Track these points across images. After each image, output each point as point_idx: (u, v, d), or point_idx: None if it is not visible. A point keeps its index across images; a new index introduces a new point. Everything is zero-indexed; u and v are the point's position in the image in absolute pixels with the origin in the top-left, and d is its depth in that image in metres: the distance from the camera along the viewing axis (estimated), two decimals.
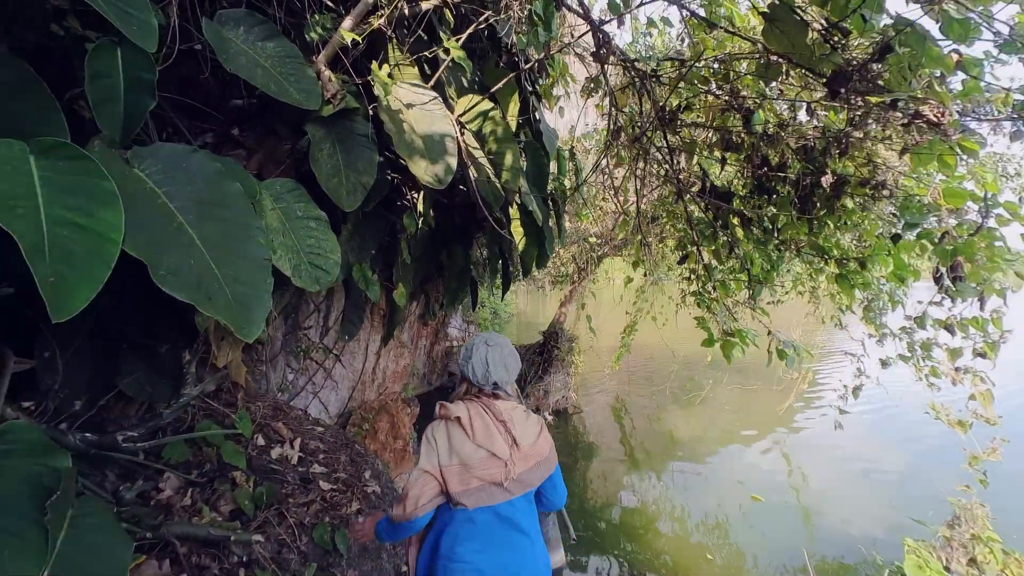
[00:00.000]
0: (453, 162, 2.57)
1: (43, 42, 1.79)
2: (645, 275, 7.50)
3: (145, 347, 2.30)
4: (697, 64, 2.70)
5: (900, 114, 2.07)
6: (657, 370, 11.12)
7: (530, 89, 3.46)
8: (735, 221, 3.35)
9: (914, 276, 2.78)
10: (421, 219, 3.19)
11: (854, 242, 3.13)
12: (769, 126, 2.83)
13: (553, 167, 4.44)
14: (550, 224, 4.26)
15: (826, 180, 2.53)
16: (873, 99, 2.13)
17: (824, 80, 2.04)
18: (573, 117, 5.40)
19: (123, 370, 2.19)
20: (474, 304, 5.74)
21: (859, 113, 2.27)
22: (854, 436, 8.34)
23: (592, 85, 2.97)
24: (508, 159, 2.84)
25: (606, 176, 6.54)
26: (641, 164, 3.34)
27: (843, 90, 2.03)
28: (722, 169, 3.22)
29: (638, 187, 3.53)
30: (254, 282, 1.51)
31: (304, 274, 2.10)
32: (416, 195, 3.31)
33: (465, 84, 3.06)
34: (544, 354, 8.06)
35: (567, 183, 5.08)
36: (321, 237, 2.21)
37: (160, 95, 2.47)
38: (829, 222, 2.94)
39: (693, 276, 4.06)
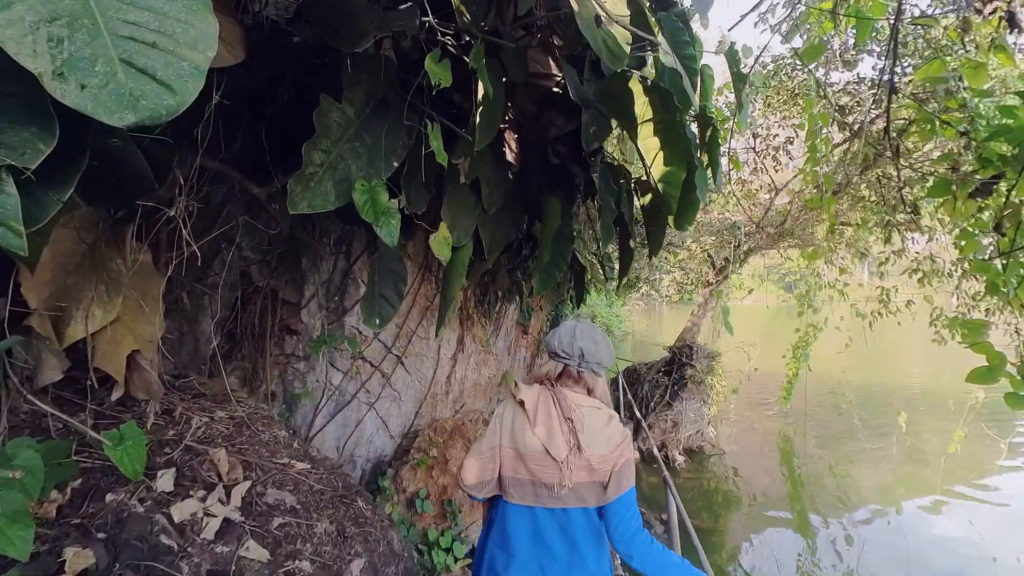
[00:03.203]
0: None
1: None
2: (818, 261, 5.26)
3: None
4: None
5: None
6: (829, 405, 8.30)
7: None
8: None
9: None
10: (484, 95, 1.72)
11: None
12: None
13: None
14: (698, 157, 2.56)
15: None
16: None
17: None
18: (718, 33, 3.61)
19: None
20: (579, 297, 4.14)
21: None
22: None
23: None
24: None
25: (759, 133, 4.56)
26: None
27: None
28: None
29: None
30: None
31: (96, 81, 0.77)
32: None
33: None
34: (673, 374, 6.06)
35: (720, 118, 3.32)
36: (175, 15, 0.87)
37: None
38: None
39: (1006, 224, 2.01)
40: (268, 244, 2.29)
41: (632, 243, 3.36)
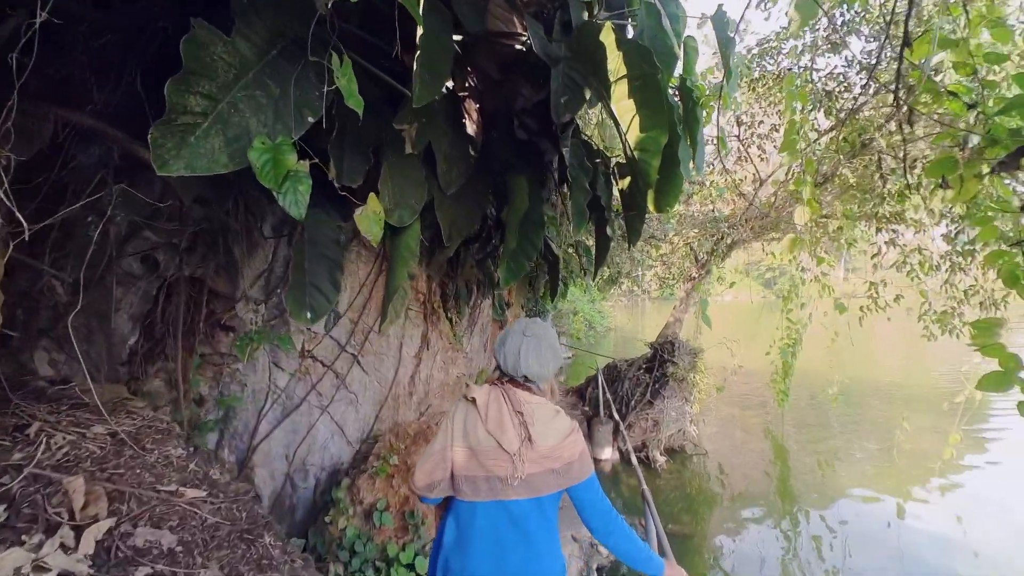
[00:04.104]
0: None
1: None
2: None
3: None
4: None
5: None
6: (809, 401, 8.16)
7: None
8: None
9: None
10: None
11: None
12: None
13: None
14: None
15: None
16: None
17: None
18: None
19: None
20: (554, 290, 3.84)
21: None
22: None
23: None
24: None
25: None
26: None
27: None
28: None
29: None
30: None
31: None
32: None
33: None
34: (654, 371, 5.81)
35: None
36: None
37: None
38: None
39: None
40: (179, 224, 1.92)
41: (609, 230, 3.06)
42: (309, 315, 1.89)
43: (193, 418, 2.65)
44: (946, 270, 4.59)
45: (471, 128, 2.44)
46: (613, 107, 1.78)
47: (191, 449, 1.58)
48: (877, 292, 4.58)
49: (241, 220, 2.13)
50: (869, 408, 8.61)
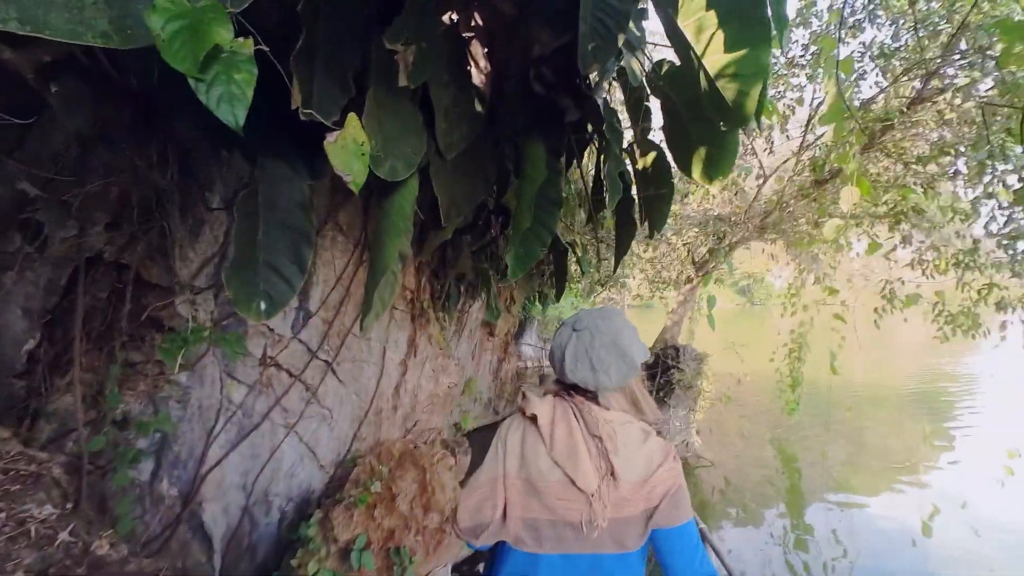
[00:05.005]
0: None
1: None
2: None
3: None
4: None
5: None
6: (814, 407, 7.88)
7: None
8: None
9: None
10: None
11: None
12: None
13: None
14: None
15: None
16: None
17: None
18: None
19: None
20: (560, 289, 3.36)
21: None
22: None
23: None
24: None
25: None
26: None
27: None
28: None
29: None
30: None
31: None
32: None
33: None
34: (658, 378, 5.38)
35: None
36: None
37: None
38: None
39: None
40: (73, 175, 1.36)
41: (633, 213, 2.62)
42: (263, 306, 1.35)
43: (116, 444, 2.05)
44: (961, 269, 4.35)
45: (478, 78, 1.96)
46: (682, 24, 1.33)
47: (70, 506, 1.02)
48: (894, 292, 4.31)
49: (173, 181, 1.57)
50: (869, 415, 8.46)
